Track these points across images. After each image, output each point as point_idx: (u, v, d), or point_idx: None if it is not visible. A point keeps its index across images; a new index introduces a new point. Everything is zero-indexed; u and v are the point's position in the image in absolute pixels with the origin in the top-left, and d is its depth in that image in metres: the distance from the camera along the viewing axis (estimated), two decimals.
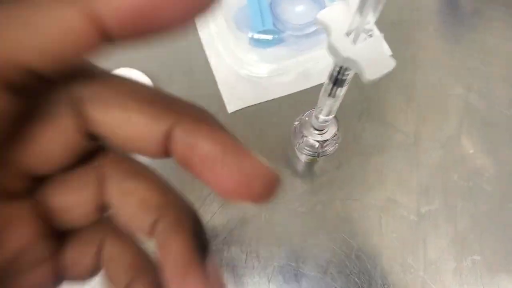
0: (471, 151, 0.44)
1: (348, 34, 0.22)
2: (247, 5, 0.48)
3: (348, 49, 0.21)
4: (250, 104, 0.45)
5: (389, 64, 0.21)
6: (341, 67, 0.24)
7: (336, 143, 0.36)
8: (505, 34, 0.49)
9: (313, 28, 0.46)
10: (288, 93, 0.46)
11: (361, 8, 0.20)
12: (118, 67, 0.44)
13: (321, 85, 0.45)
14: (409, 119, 0.45)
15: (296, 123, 0.38)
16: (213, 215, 0.41)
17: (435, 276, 0.39)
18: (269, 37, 0.45)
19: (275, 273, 0.39)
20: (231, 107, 0.45)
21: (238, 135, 0.44)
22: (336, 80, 0.26)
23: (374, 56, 0.21)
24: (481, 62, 0.48)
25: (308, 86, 0.46)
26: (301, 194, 0.42)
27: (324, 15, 0.22)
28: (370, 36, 0.22)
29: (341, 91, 0.27)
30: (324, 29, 0.22)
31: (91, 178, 0.13)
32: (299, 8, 0.47)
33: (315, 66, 0.47)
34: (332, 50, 0.22)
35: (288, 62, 0.46)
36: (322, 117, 0.31)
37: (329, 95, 0.27)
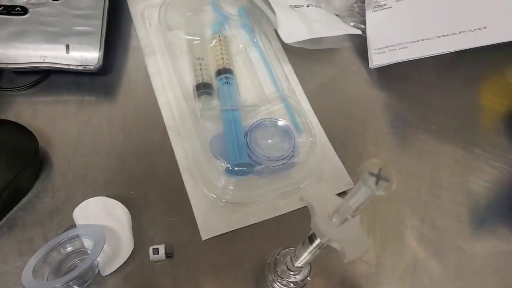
0: (429, 282, 0.47)
1: (330, 215, 0.25)
2: (223, 133, 0.52)
3: (331, 231, 0.24)
4: (223, 232, 0.47)
5: (367, 246, 0.24)
6: None
7: (306, 283, 0.39)
8: (454, 170, 0.55)
9: (284, 161, 0.50)
10: (260, 220, 0.48)
11: (349, 200, 0.23)
12: (94, 195, 0.45)
13: (290, 213, 0.49)
14: (370, 249, 0.48)
15: (271, 260, 0.40)
16: None
17: None
18: (244, 168, 0.49)
19: None
20: (204, 235, 0.46)
21: (212, 263, 0.45)
22: (314, 243, 0.28)
23: (353, 238, 0.24)
24: (432, 195, 0.53)
25: (278, 214, 0.49)
26: None
27: (308, 195, 0.26)
28: (353, 217, 0.25)
29: (320, 250, 0.30)
30: (309, 208, 0.26)
31: None
32: (272, 142, 0.51)
33: (283, 196, 0.50)
34: (316, 229, 0.25)
35: (259, 191, 0.49)
36: (298, 264, 0.34)
37: (308, 253, 0.30)
